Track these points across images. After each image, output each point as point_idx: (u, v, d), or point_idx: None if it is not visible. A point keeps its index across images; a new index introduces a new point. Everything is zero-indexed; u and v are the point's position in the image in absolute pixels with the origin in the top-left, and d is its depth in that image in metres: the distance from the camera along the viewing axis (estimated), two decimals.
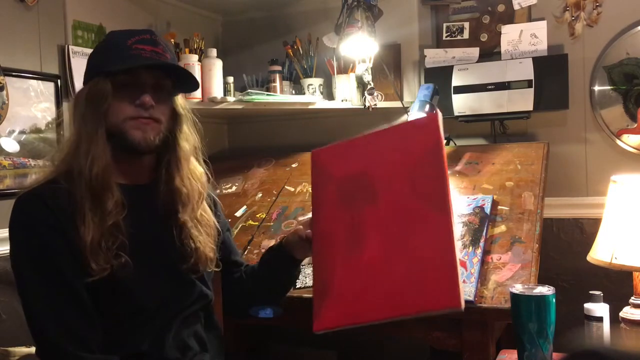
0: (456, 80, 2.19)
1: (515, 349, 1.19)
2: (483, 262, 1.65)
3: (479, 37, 2.29)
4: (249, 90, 2.24)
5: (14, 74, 1.80)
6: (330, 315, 1.20)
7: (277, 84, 2.35)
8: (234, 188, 2.28)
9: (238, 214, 2.14)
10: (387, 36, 2.29)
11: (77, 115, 1.25)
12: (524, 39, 2.18)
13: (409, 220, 1.18)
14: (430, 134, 1.21)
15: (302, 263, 1.46)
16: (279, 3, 2.56)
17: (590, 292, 1.44)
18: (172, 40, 2.21)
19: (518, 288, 1.18)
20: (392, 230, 1.19)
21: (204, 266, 1.31)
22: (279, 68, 2.37)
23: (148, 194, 1.29)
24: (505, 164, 1.98)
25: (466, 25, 2.31)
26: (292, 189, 2.18)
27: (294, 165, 2.30)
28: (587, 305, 1.43)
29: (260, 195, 2.20)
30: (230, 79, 2.27)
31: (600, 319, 1.42)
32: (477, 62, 2.25)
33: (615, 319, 1.60)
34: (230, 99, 2.17)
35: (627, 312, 1.67)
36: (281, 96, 2.30)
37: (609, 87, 2.12)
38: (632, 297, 1.69)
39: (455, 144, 2.21)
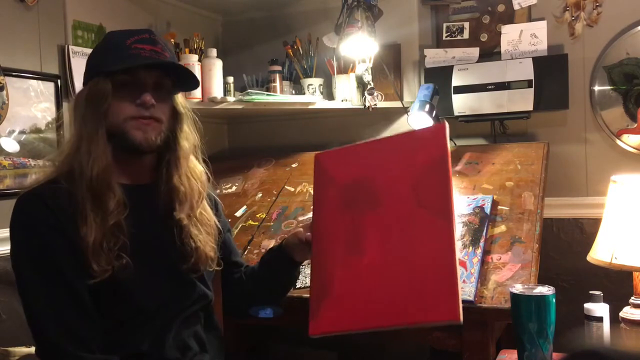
0: (456, 80, 2.19)
1: (515, 349, 1.19)
2: (483, 262, 1.65)
3: (479, 37, 2.29)
4: (249, 90, 2.24)
5: (14, 74, 1.80)
6: (327, 320, 1.20)
7: (277, 84, 2.36)
8: (234, 188, 2.28)
9: (238, 214, 2.14)
10: (387, 36, 2.29)
11: (78, 116, 1.25)
12: (524, 39, 2.18)
13: (410, 230, 1.17)
14: (437, 146, 1.20)
15: (302, 263, 1.46)
16: (279, 3, 2.56)
17: (590, 292, 1.44)
18: (172, 40, 2.21)
19: (518, 288, 1.18)
20: (393, 238, 1.19)
21: (204, 265, 1.31)
22: (279, 68, 2.37)
23: (149, 193, 1.29)
24: (505, 164, 1.98)
25: (466, 25, 2.31)
26: (292, 189, 2.18)
27: (294, 165, 2.30)
28: (587, 305, 1.43)
29: (260, 195, 2.20)
30: (230, 79, 2.27)
31: (600, 319, 1.42)
32: (477, 62, 2.25)
33: (615, 319, 1.60)
34: (230, 99, 2.17)
35: (627, 312, 1.67)
36: (281, 96, 2.30)
37: (609, 87, 2.12)
38: (632, 297, 1.69)
39: (455, 144, 2.21)
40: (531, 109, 2.10)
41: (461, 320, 1.04)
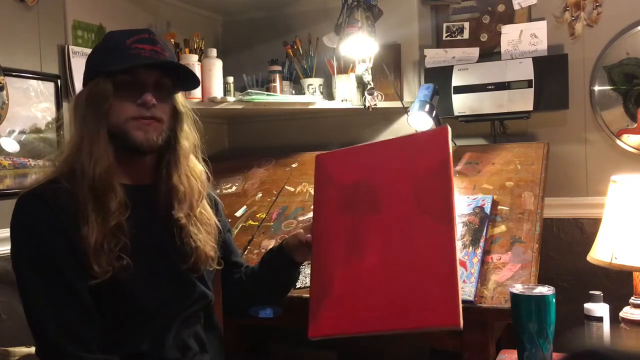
0: (456, 80, 2.19)
1: (515, 349, 1.19)
2: (483, 262, 1.65)
3: (479, 37, 2.29)
4: (249, 90, 2.24)
5: (14, 74, 1.80)
6: (327, 323, 1.20)
7: (277, 84, 2.35)
8: (234, 188, 2.28)
9: (238, 214, 2.14)
10: (387, 36, 2.29)
11: (78, 116, 1.25)
12: (524, 39, 2.18)
13: (411, 234, 1.17)
14: (439, 149, 1.20)
15: (303, 264, 1.46)
16: (279, 3, 2.56)
17: (590, 292, 1.44)
18: (172, 40, 2.21)
19: (518, 288, 1.18)
20: (393, 242, 1.18)
21: (204, 265, 1.31)
22: (279, 68, 2.37)
23: (150, 194, 1.29)
24: (505, 164, 1.98)
25: (466, 25, 2.31)
26: (292, 189, 2.17)
27: (294, 165, 2.30)
28: (587, 305, 1.43)
29: (260, 195, 2.20)
30: (230, 79, 2.27)
31: (600, 319, 1.42)
32: (477, 62, 2.25)
33: (615, 319, 1.60)
34: (230, 99, 2.17)
35: (627, 312, 1.67)
36: (281, 96, 2.30)
37: (609, 87, 2.12)
38: (632, 297, 1.69)
39: (455, 144, 2.21)
40: (531, 109, 2.10)
41: (461, 325, 1.04)
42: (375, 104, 2.22)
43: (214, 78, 2.20)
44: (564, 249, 2.18)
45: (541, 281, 1.40)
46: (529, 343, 1.15)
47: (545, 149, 1.99)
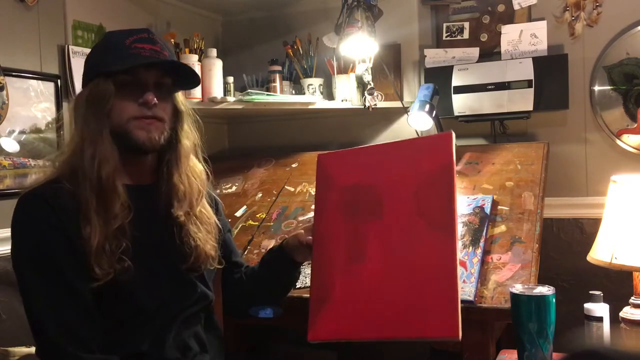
0: (456, 80, 2.19)
1: (515, 349, 1.19)
2: (483, 262, 1.65)
3: (479, 37, 2.29)
4: (249, 90, 2.24)
5: (14, 74, 1.80)
6: (326, 327, 1.20)
7: (277, 84, 2.35)
8: (234, 188, 2.28)
9: (238, 214, 2.14)
10: (387, 36, 2.29)
11: (79, 117, 1.24)
12: (524, 39, 2.18)
13: (413, 242, 1.16)
14: (442, 155, 1.19)
15: (303, 264, 1.46)
16: (279, 3, 2.56)
17: (590, 292, 1.44)
18: (172, 40, 2.21)
19: (518, 288, 1.18)
20: (394, 249, 1.18)
21: (204, 264, 1.31)
22: (279, 68, 2.37)
23: (150, 194, 1.29)
24: (505, 164, 1.98)
25: (466, 25, 2.31)
26: (292, 189, 2.17)
27: (294, 165, 2.30)
28: (587, 305, 1.43)
29: (260, 195, 2.20)
30: (230, 79, 2.27)
31: (600, 319, 1.42)
32: (477, 62, 2.25)
33: (615, 319, 1.60)
34: (230, 99, 2.17)
35: (627, 312, 1.67)
36: (281, 96, 2.30)
37: (609, 87, 2.12)
38: (632, 297, 1.69)
39: (455, 144, 2.21)
40: (531, 109, 2.10)
41: (460, 337, 1.04)
42: (375, 104, 2.22)
43: (214, 78, 2.20)
44: (564, 249, 2.18)
45: (541, 281, 1.40)
46: (529, 343, 1.15)
47: (545, 149, 1.99)
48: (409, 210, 1.19)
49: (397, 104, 2.29)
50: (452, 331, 1.06)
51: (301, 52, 2.44)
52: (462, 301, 1.34)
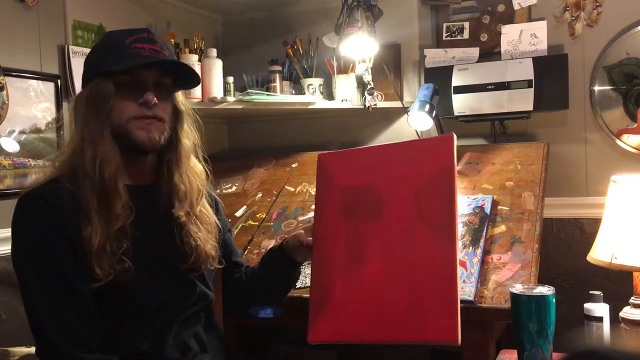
0: (456, 80, 2.19)
1: (515, 349, 1.19)
2: (483, 262, 1.65)
3: (479, 37, 2.29)
4: (249, 90, 2.24)
5: (14, 74, 1.80)
6: (326, 329, 1.20)
7: (277, 84, 2.35)
8: (234, 188, 2.28)
9: (238, 214, 2.14)
10: (387, 36, 2.29)
11: (79, 117, 1.24)
12: (524, 39, 2.18)
13: (413, 245, 1.16)
14: (443, 157, 1.19)
15: (303, 264, 1.46)
16: (279, 3, 2.56)
17: (590, 292, 1.44)
18: (172, 40, 2.21)
19: (518, 288, 1.18)
20: (395, 252, 1.18)
21: (205, 264, 1.31)
22: (279, 68, 2.37)
23: (151, 194, 1.29)
24: (505, 164, 1.98)
25: (466, 25, 2.31)
26: (292, 189, 2.17)
27: (294, 165, 2.30)
28: (587, 305, 1.43)
29: (260, 195, 2.20)
30: (230, 79, 2.27)
31: (600, 319, 1.42)
32: (477, 62, 2.25)
33: (615, 319, 1.60)
34: (230, 99, 2.17)
35: (627, 312, 1.67)
36: (281, 96, 2.30)
37: (609, 87, 2.12)
38: (632, 297, 1.69)
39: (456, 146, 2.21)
40: (531, 109, 2.10)
41: (459, 342, 1.04)
42: (375, 104, 2.22)
43: (214, 78, 2.20)
44: (564, 249, 2.18)
45: (541, 281, 1.40)
46: (529, 343, 1.15)
47: (545, 149, 1.99)
48: (410, 213, 1.18)
49: (397, 104, 2.29)
50: (452, 336, 1.06)
51: (301, 52, 2.44)
52: (462, 301, 1.34)
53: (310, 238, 1.33)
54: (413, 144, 1.37)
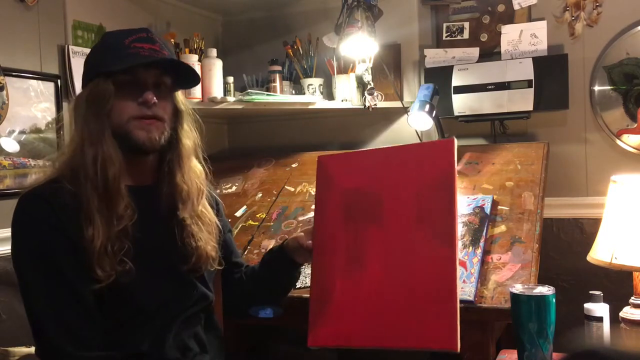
0: (456, 80, 2.19)
1: (515, 349, 1.19)
2: (483, 262, 1.65)
3: (479, 37, 2.29)
4: (249, 90, 2.24)
5: (14, 74, 1.80)
6: (326, 333, 1.20)
7: (277, 84, 2.35)
8: (234, 188, 2.28)
9: (238, 214, 2.14)
10: (387, 36, 2.29)
11: (79, 118, 1.24)
12: (524, 39, 2.18)
13: (413, 250, 1.16)
14: (444, 163, 1.19)
15: (303, 265, 1.46)
16: (279, 3, 2.56)
17: (590, 292, 1.44)
18: (172, 40, 2.21)
19: (518, 288, 1.18)
20: (395, 257, 1.18)
21: (205, 265, 1.31)
22: (279, 68, 2.37)
23: (151, 195, 1.29)
24: (505, 164, 1.98)
25: (466, 25, 2.31)
26: (292, 189, 2.17)
27: (294, 165, 2.30)
28: (587, 305, 1.43)
29: (260, 195, 2.20)
30: (230, 79, 2.27)
31: (600, 319, 1.42)
32: (477, 62, 2.25)
33: (615, 319, 1.60)
34: (230, 99, 2.17)
35: (627, 312, 1.67)
36: (281, 96, 2.30)
37: (609, 87, 2.12)
38: (632, 297, 1.69)
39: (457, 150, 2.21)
40: (531, 109, 2.10)
41: (458, 349, 1.05)
42: (375, 104, 2.22)
43: (214, 78, 2.20)
44: (564, 249, 2.18)
45: (541, 281, 1.40)
46: (529, 343, 1.15)
47: (545, 149, 1.99)
48: (409, 218, 1.18)
49: (397, 104, 2.29)
50: (451, 343, 1.07)
51: (301, 52, 2.44)
52: (462, 301, 1.34)
53: (310, 241, 1.33)
54: (414, 147, 1.37)
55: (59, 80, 1.93)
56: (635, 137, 2.09)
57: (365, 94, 2.22)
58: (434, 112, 2.06)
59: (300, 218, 2.02)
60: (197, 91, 2.11)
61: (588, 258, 1.77)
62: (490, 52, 2.27)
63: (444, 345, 1.08)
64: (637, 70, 2.07)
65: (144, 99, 1.22)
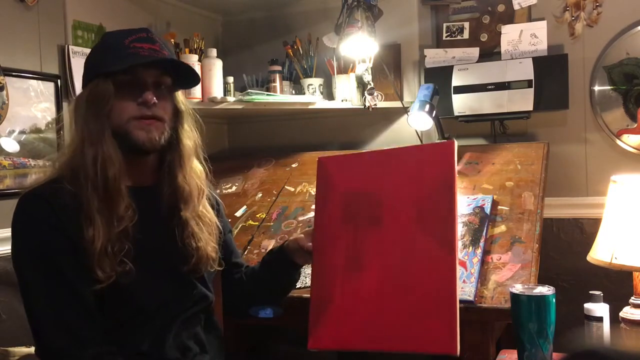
0: (456, 80, 2.19)
1: (515, 349, 1.19)
2: (483, 262, 1.65)
3: (479, 37, 2.29)
4: (249, 90, 2.23)
5: (14, 74, 1.79)
6: (326, 336, 1.20)
7: (277, 84, 2.35)
8: (234, 188, 2.28)
9: (238, 214, 2.14)
10: (387, 36, 2.29)
11: (79, 118, 1.24)
12: (524, 39, 2.18)
13: (413, 253, 1.16)
14: (444, 166, 1.18)
15: (303, 266, 1.46)
16: (279, 3, 2.56)
17: (590, 292, 1.44)
18: (172, 40, 2.21)
19: (518, 288, 1.18)
20: (395, 259, 1.18)
21: (205, 265, 1.31)
22: (279, 68, 2.37)
23: (152, 195, 1.29)
24: (505, 164, 1.98)
25: (466, 25, 2.31)
26: (292, 189, 2.17)
27: (294, 165, 2.30)
28: (587, 305, 1.43)
29: (260, 195, 2.20)
30: (230, 79, 2.27)
31: (600, 319, 1.42)
32: (477, 62, 2.25)
33: (615, 319, 1.60)
34: (230, 99, 2.17)
35: (627, 312, 1.67)
36: (281, 96, 2.30)
37: (609, 87, 2.12)
38: (632, 297, 1.69)
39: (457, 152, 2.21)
40: (531, 109, 2.10)
41: (458, 353, 1.05)
42: (375, 104, 2.22)
43: (214, 78, 2.20)
44: (564, 249, 2.18)
45: (541, 281, 1.40)
46: (529, 343, 1.15)
47: (545, 149, 1.99)
48: (410, 220, 1.18)
49: (397, 104, 2.29)
50: (450, 347, 1.07)
51: (301, 52, 2.44)
52: (462, 301, 1.34)
53: (310, 243, 1.32)
54: (414, 149, 1.37)
55: (59, 80, 1.93)
56: (635, 137, 2.09)
57: (365, 94, 2.22)
58: (434, 112, 2.06)
59: (300, 218, 2.02)
60: (197, 91, 2.11)
61: (588, 258, 1.77)
62: (490, 52, 2.27)
63: (443, 349, 1.08)
64: (637, 70, 2.07)
65: (143, 99, 1.22)
